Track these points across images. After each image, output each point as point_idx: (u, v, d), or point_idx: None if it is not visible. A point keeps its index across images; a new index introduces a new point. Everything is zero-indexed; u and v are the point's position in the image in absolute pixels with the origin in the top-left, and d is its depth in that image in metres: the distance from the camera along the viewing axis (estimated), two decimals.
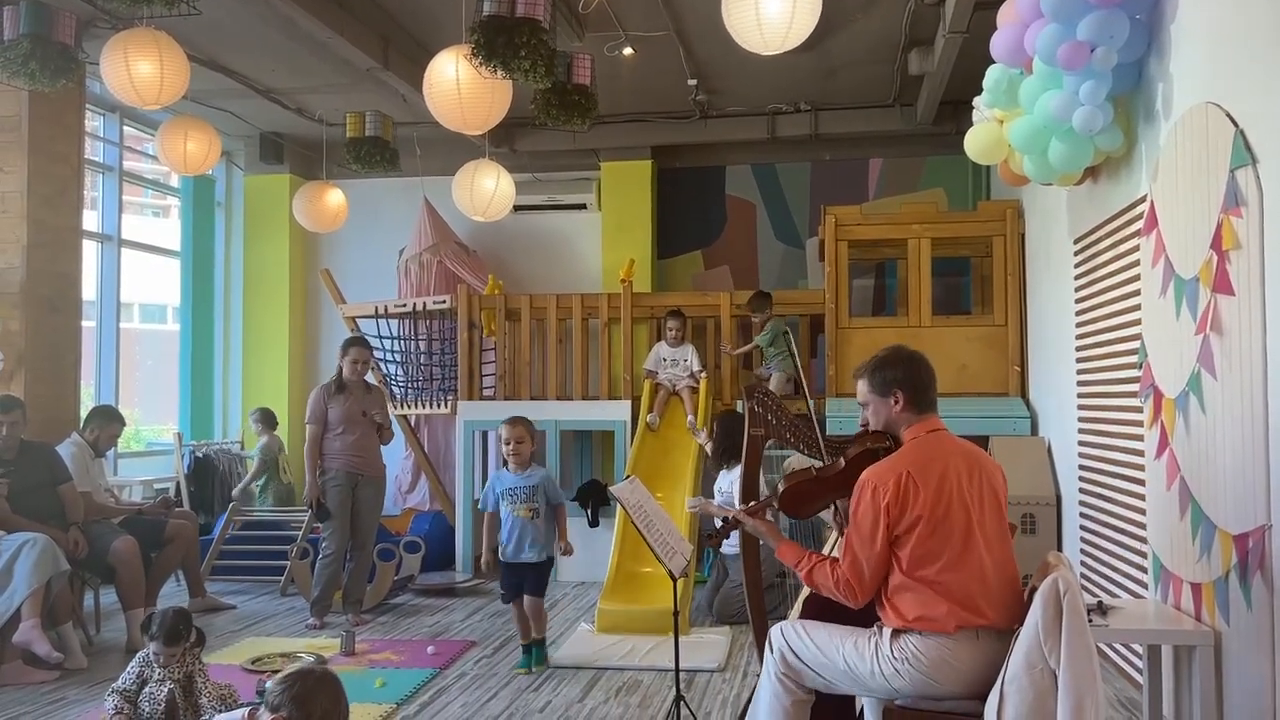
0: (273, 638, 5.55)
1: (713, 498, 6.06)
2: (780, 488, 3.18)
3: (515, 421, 5.06)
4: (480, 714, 4.27)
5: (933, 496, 2.78)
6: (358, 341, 6.22)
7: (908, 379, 2.96)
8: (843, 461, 3.11)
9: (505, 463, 5.05)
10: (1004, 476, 2.99)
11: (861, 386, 3.05)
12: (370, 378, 6.45)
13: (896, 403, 2.96)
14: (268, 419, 7.92)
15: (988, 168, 7.90)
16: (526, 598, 4.91)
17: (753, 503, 3.30)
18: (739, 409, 6.89)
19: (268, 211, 9.01)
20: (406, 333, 8.13)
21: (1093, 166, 4.69)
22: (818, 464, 3.46)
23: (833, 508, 3.90)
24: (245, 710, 2.71)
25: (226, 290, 9.18)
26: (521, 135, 8.40)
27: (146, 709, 3.74)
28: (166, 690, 3.76)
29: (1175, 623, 3.75)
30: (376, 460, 6.14)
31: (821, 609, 3.39)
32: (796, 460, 3.82)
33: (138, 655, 3.91)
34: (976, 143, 5.07)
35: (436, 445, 8.52)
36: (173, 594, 6.26)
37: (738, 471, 5.77)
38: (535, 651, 4.98)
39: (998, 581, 2.81)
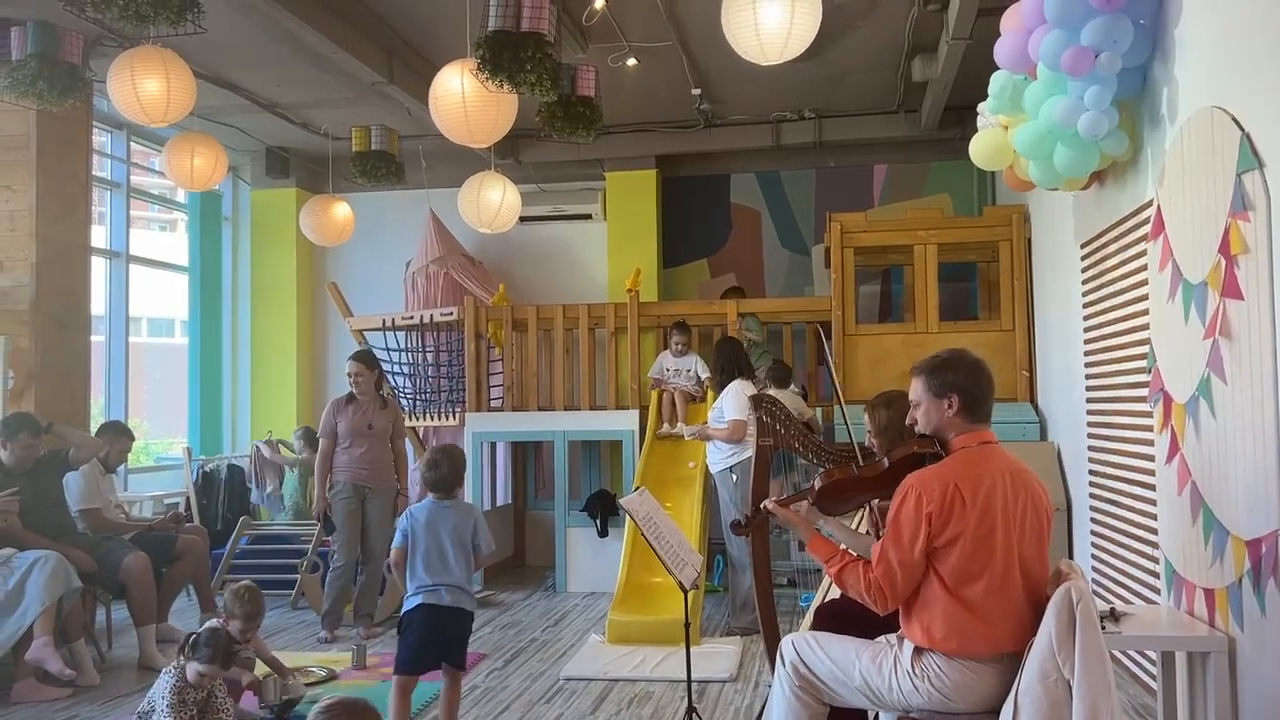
0: (284, 651, 5.55)
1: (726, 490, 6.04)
2: (817, 484, 3.09)
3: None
4: None
5: (978, 514, 2.68)
6: (354, 355, 6.24)
7: (968, 385, 2.82)
8: (887, 462, 3.01)
9: None
10: (1048, 499, 2.87)
11: (917, 385, 2.89)
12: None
13: (950, 407, 2.82)
14: (309, 437, 7.90)
15: (993, 173, 7.89)
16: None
17: (785, 495, 3.23)
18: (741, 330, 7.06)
19: (274, 225, 9.04)
20: (414, 345, 8.15)
21: (1098, 171, 4.68)
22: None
23: (867, 508, 3.87)
24: None
25: (234, 304, 9.21)
26: (526, 147, 8.42)
27: None
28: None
29: (1188, 629, 3.74)
30: (386, 473, 6.15)
31: (834, 619, 3.38)
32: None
33: (169, 683, 3.72)
34: (981, 149, 5.07)
35: None
36: (184, 609, 6.27)
37: (733, 388, 5.81)
38: None
39: (1030, 608, 2.71)
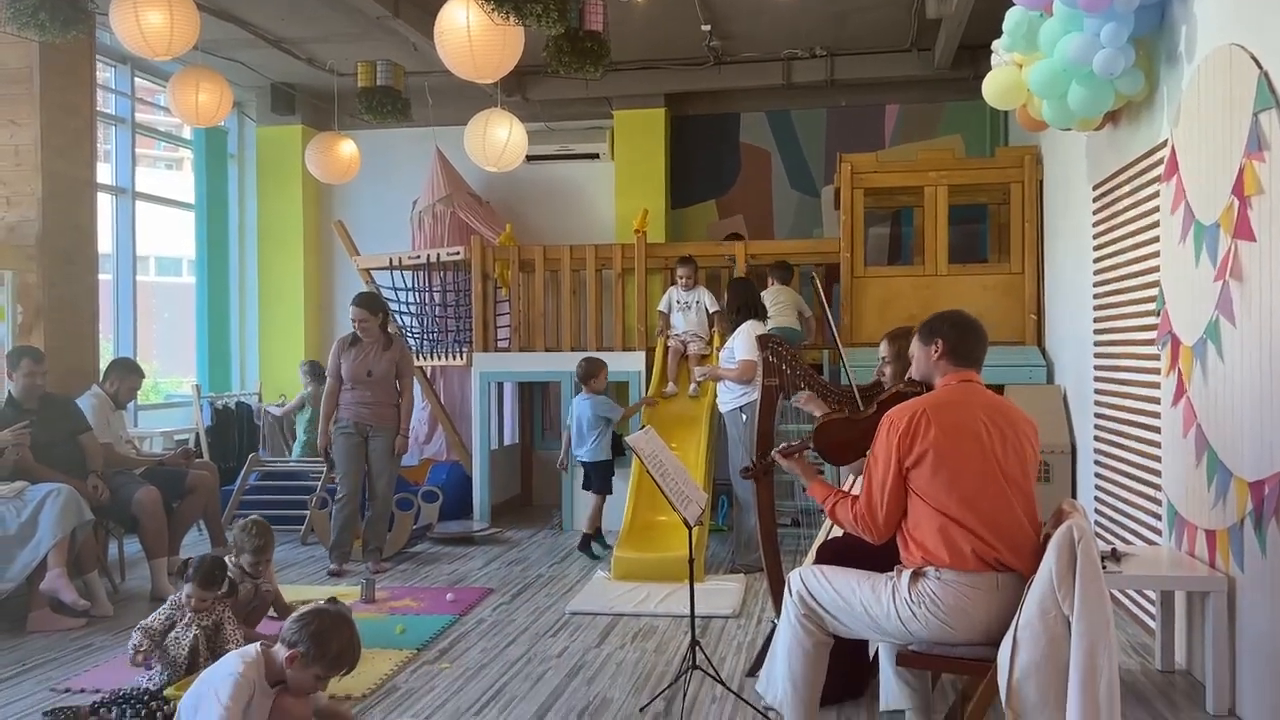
0: (294, 585, 5.64)
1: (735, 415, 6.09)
2: (815, 429, 3.25)
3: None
4: (499, 659, 4.34)
5: (944, 433, 2.83)
6: (358, 300, 6.18)
7: (952, 330, 3.02)
8: (875, 406, 3.20)
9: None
10: (1035, 431, 3.00)
11: (913, 341, 3.14)
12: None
13: (936, 351, 3.02)
14: (315, 371, 7.92)
15: (1006, 114, 7.79)
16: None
17: (786, 445, 3.34)
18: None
19: (280, 163, 8.99)
20: (421, 284, 8.14)
21: (1113, 111, 4.62)
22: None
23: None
24: (259, 645, 2.76)
25: (241, 242, 9.20)
26: (533, 84, 8.32)
27: (171, 652, 3.80)
28: (191, 635, 3.82)
29: (1189, 569, 3.77)
30: (388, 414, 6.15)
31: (835, 556, 3.43)
32: (806, 395, 3.86)
33: (169, 599, 3.96)
34: (995, 87, 4.99)
35: (453, 396, 8.56)
36: (195, 544, 6.35)
37: (745, 329, 5.84)
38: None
39: (1020, 529, 2.83)
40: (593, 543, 6.45)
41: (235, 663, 2.66)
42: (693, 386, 6.97)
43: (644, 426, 4.46)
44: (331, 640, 2.71)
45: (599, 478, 6.58)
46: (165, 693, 3.63)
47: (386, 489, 6.14)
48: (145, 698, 3.65)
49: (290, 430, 8.24)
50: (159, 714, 3.53)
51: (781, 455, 3.31)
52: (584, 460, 6.60)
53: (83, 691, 3.92)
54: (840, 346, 3.99)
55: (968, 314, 3.11)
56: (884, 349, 3.86)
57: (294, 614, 2.78)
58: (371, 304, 6.18)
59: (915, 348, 3.11)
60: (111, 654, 4.42)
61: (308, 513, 6.82)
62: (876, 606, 2.90)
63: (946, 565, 2.80)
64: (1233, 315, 3.53)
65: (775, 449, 3.37)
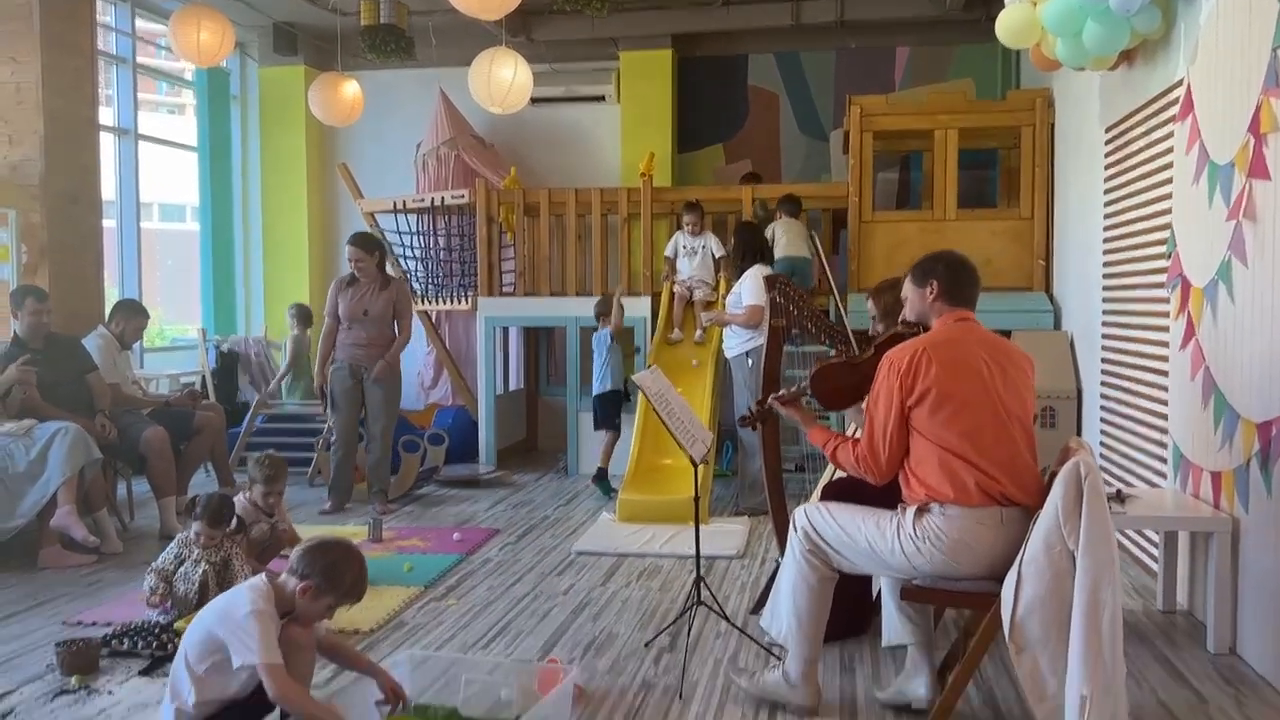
0: (301, 525, 5.67)
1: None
2: (811, 374, 3.22)
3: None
4: (505, 597, 4.38)
5: (945, 370, 2.83)
6: (352, 239, 6.14)
7: (945, 270, 3.01)
8: (873, 349, 3.17)
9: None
10: (1033, 367, 3.02)
11: (906, 283, 3.13)
12: (390, 270, 6.43)
13: (931, 292, 3.01)
14: (303, 315, 7.90)
15: (1018, 57, 7.68)
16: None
17: (784, 391, 3.33)
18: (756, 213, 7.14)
19: (283, 104, 8.90)
20: (426, 228, 8.10)
21: (1128, 50, 4.54)
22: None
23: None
24: (264, 576, 2.78)
25: (244, 186, 9.14)
26: (539, 23, 8.20)
27: (181, 588, 3.85)
28: (201, 571, 3.87)
29: (1193, 510, 3.78)
30: (384, 356, 6.14)
31: (839, 495, 3.44)
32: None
33: (177, 537, 4.02)
34: (1008, 25, 4.89)
35: (458, 341, 8.56)
36: (202, 485, 6.38)
37: (752, 273, 5.82)
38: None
39: (1022, 463, 2.84)
40: (607, 479, 6.61)
41: (249, 596, 2.67)
42: (699, 332, 6.95)
43: (650, 366, 4.46)
44: (345, 572, 2.73)
45: (601, 410, 6.70)
46: (175, 625, 3.68)
47: (385, 432, 6.16)
48: (156, 630, 3.70)
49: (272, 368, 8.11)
50: (170, 646, 3.57)
51: (779, 402, 3.30)
52: (593, 393, 6.77)
53: (94, 625, 3.97)
54: (835, 292, 3.95)
55: (960, 254, 3.10)
56: (870, 306, 3.83)
57: (300, 547, 2.79)
58: (367, 243, 6.14)
59: (909, 290, 3.10)
60: (122, 589, 4.47)
61: (315, 454, 6.85)
62: (881, 542, 2.91)
63: (950, 500, 2.81)
64: (1245, 255, 3.50)
65: (773, 396, 3.36)
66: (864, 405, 3.05)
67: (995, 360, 2.88)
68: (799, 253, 6.71)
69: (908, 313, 3.15)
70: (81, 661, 3.45)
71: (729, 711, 3.15)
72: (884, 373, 2.92)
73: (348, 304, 6.04)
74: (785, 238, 6.70)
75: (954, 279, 3.01)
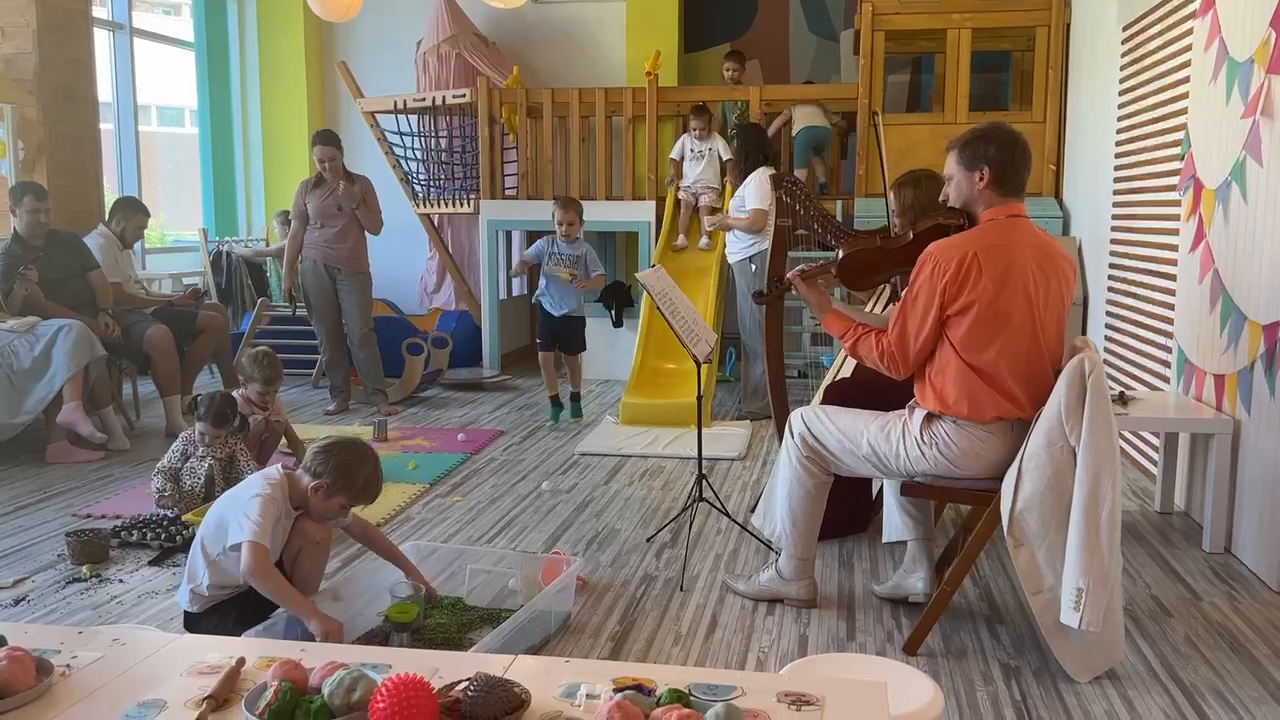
0: (306, 425, 5.72)
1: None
2: (841, 253, 3.03)
3: (567, 205, 5.73)
4: (509, 494, 4.43)
5: (993, 284, 2.65)
6: (321, 137, 6.01)
7: (999, 156, 2.73)
8: (911, 234, 2.94)
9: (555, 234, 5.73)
10: (1075, 272, 2.87)
11: (950, 159, 2.83)
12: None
13: (981, 179, 2.75)
14: (286, 219, 7.84)
15: None
16: (565, 355, 5.85)
17: (803, 266, 3.12)
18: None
19: (280, 1, 8.68)
20: (426, 129, 7.96)
21: None
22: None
23: (889, 286, 3.81)
24: (280, 467, 2.80)
25: (243, 86, 8.96)
26: None
27: (187, 482, 3.90)
28: (206, 466, 3.91)
29: (1195, 412, 3.79)
30: (356, 255, 6.11)
31: (842, 397, 3.43)
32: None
33: (181, 435, 4.05)
34: None
35: (460, 245, 8.50)
36: (207, 385, 6.42)
37: (756, 176, 5.78)
38: (572, 405, 5.91)
39: (1045, 380, 2.72)
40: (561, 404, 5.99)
41: (261, 483, 2.70)
42: (704, 239, 6.89)
43: (654, 265, 4.42)
44: (357, 472, 2.73)
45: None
46: (184, 518, 3.73)
47: (366, 336, 6.17)
48: (165, 522, 3.75)
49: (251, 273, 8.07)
50: (179, 537, 3.63)
51: (799, 277, 3.08)
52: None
53: (104, 517, 4.03)
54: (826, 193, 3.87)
55: (1012, 130, 2.77)
56: (892, 200, 3.50)
57: (315, 445, 2.79)
58: (338, 141, 6.06)
59: (956, 172, 2.80)
60: (130, 484, 4.53)
61: (319, 357, 6.86)
62: (885, 445, 2.89)
63: (965, 417, 2.75)
64: (1260, 155, 3.44)
65: (796, 270, 3.13)
66: (904, 296, 2.89)
67: (1041, 270, 2.71)
68: (819, 122, 6.74)
69: (953, 198, 2.85)
70: (92, 551, 3.50)
71: (729, 602, 3.20)
72: (927, 271, 2.71)
73: (318, 202, 5.99)
74: (801, 111, 6.82)
75: (1008, 163, 2.73)
